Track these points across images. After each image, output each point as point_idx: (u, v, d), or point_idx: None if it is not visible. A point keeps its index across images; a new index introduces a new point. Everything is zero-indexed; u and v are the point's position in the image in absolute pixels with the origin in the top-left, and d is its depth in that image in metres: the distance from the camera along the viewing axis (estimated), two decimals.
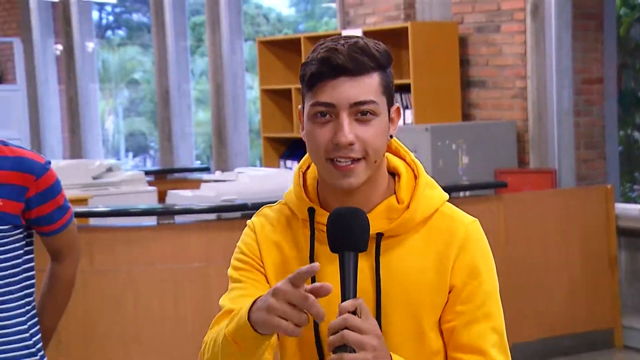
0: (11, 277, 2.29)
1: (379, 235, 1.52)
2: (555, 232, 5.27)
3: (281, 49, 7.22)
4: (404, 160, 1.60)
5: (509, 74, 6.09)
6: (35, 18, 9.90)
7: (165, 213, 4.65)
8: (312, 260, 1.51)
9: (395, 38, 6.46)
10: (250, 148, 8.38)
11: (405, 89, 6.29)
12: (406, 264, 1.52)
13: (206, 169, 7.93)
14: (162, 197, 5.97)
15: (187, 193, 5.60)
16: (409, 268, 1.52)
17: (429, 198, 1.56)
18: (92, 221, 4.78)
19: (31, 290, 2.35)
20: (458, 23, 6.31)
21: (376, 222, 1.51)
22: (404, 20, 6.56)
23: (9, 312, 2.28)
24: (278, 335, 1.55)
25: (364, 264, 1.51)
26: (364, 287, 1.50)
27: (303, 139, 1.53)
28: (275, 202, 1.63)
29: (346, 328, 1.38)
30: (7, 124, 9.45)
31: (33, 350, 2.33)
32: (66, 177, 5.33)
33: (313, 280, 1.51)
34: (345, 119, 1.46)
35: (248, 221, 1.62)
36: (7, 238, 2.27)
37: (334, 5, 7.68)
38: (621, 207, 5.57)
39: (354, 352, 1.37)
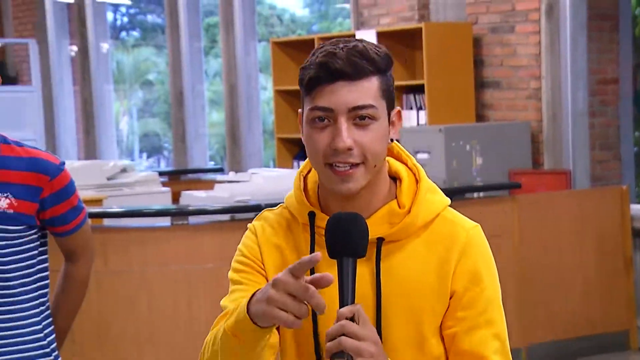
0: (26, 278, 2.30)
1: (380, 240, 1.51)
2: (569, 233, 5.24)
3: (295, 50, 7.22)
4: (406, 164, 1.59)
5: (523, 75, 6.07)
6: (51, 19, 9.95)
7: (179, 214, 4.66)
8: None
9: (409, 39, 6.45)
10: (264, 149, 8.39)
11: (419, 89, 6.28)
12: (407, 269, 1.51)
13: (220, 170, 7.94)
14: (175, 197, 5.99)
15: (200, 194, 5.60)
16: (409, 273, 1.51)
17: (431, 203, 1.54)
18: (106, 222, 4.79)
19: (45, 290, 2.36)
20: (472, 23, 6.29)
21: (377, 226, 1.50)
22: (418, 20, 6.55)
23: (24, 312, 2.29)
24: (280, 341, 1.54)
25: (365, 269, 1.50)
26: (364, 292, 1.49)
27: (303, 142, 1.53)
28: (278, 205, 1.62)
29: (344, 334, 1.36)
30: (23, 124, 9.49)
31: (47, 350, 2.34)
32: (81, 178, 5.35)
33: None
34: (343, 124, 1.45)
35: (249, 224, 1.62)
36: (22, 238, 2.28)
37: (347, 6, 7.68)
38: (636, 208, 5.54)
39: (352, 359, 1.36)
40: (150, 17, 11.93)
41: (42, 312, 2.34)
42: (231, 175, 6.45)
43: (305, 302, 1.35)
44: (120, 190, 5.79)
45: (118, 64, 11.15)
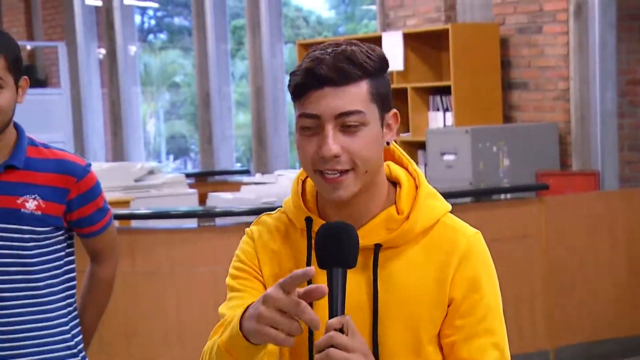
0: (53, 279, 2.32)
1: (378, 247, 1.48)
2: (598, 235, 5.20)
3: None
4: (406, 169, 1.55)
5: (551, 76, 6.04)
6: (79, 22, 10.03)
7: (206, 215, 4.68)
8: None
9: (436, 40, 6.43)
10: (290, 150, 8.40)
11: (445, 91, 6.26)
12: (405, 276, 1.48)
13: (246, 172, 7.96)
14: (202, 199, 6.01)
15: (227, 195, 5.63)
16: (408, 280, 1.48)
17: (430, 208, 1.51)
18: (134, 223, 4.82)
19: (73, 291, 2.37)
20: (499, 24, 6.26)
21: (375, 232, 1.48)
22: (444, 22, 6.53)
23: (52, 312, 2.31)
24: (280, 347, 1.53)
25: (362, 275, 1.48)
26: (361, 299, 1.47)
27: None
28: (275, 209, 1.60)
29: (332, 346, 1.34)
30: (52, 127, 9.58)
31: (75, 350, 2.36)
32: (108, 180, 5.39)
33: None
34: (330, 131, 1.42)
35: (246, 229, 1.60)
36: (49, 240, 2.30)
37: (374, 7, 7.67)
38: None
39: None
40: (177, 20, 12.00)
41: (69, 312, 2.36)
42: (257, 177, 6.47)
43: (297, 318, 1.32)
44: (148, 192, 5.83)
45: (145, 67, 11.22)
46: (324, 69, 1.41)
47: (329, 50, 1.43)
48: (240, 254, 1.58)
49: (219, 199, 5.56)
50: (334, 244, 1.41)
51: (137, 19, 10.48)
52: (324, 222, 1.48)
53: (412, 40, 6.41)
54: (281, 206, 1.59)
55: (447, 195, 5.11)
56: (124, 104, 9.54)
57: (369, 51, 1.45)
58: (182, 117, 12.30)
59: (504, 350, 1.50)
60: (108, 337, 4.40)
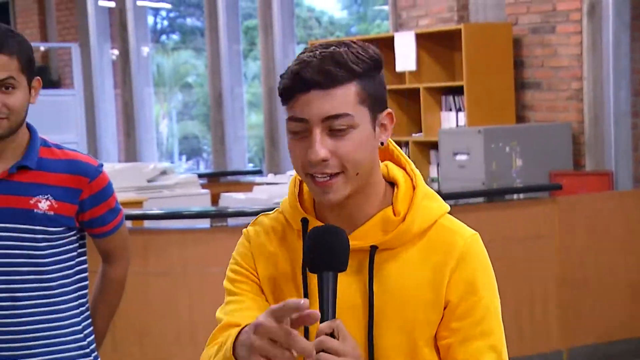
0: (65, 279, 2.32)
1: (374, 248, 1.47)
2: (612, 235, 5.18)
3: None
4: (404, 169, 1.54)
5: (564, 75, 6.01)
6: (93, 24, 10.07)
7: (219, 216, 4.69)
8: (304, 272, 1.47)
9: (448, 40, 6.42)
10: None
11: (458, 91, 6.25)
12: (401, 277, 1.47)
13: (259, 172, 7.97)
14: (215, 199, 6.02)
15: (240, 196, 5.63)
16: (404, 282, 1.47)
17: (427, 210, 1.49)
18: (147, 223, 4.83)
19: (85, 291, 2.38)
20: (512, 24, 6.24)
21: (371, 234, 1.47)
22: (457, 22, 6.52)
23: (64, 312, 2.32)
24: None
25: (358, 277, 1.47)
26: (356, 301, 1.46)
27: None
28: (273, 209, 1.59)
29: (323, 350, 1.33)
30: (65, 127, 9.62)
31: (87, 350, 2.37)
32: (121, 180, 5.41)
33: (306, 294, 1.47)
34: (317, 135, 1.40)
35: (243, 230, 1.59)
36: (62, 240, 2.31)
37: (386, 7, 7.66)
38: None
39: None
40: (189, 20, 12.02)
41: (81, 312, 2.36)
42: (270, 177, 6.47)
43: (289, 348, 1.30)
44: (160, 192, 5.84)
45: (158, 67, 11.25)
46: (310, 72, 1.40)
47: (317, 53, 1.42)
48: (236, 255, 1.57)
49: (232, 200, 5.56)
50: (324, 248, 1.41)
51: (150, 19, 10.51)
52: (321, 223, 1.47)
53: (424, 41, 6.39)
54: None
55: (459, 196, 5.14)
56: (136, 104, 9.56)
57: (360, 52, 1.43)
58: (195, 118, 12.32)
59: (501, 353, 1.49)
60: (121, 337, 4.41)
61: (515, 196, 5.31)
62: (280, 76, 1.46)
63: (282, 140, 8.06)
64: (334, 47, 1.43)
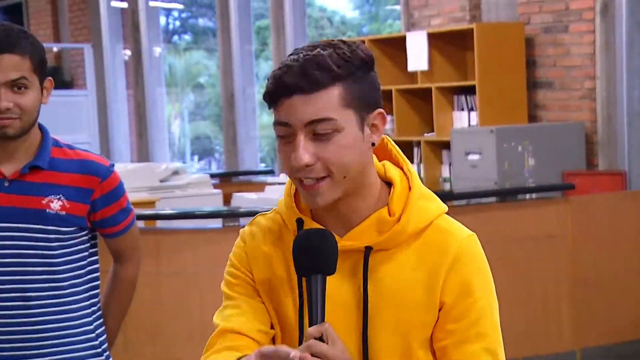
0: (77, 278, 2.33)
1: (368, 249, 1.45)
2: (625, 235, 5.15)
3: None
4: (402, 169, 1.51)
5: (577, 75, 5.99)
6: (105, 24, 10.10)
7: (231, 215, 4.69)
8: (299, 275, 1.46)
9: (460, 39, 6.40)
10: None
11: (470, 90, 6.23)
12: (396, 279, 1.45)
13: (270, 172, 7.97)
14: (227, 199, 6.03)
15: (251, 196, 5.64)
16: (398, 283, 1.45)
17: (423, 210, 1.47)
18: (159, 223, 4.84)
19: (96, 291, 2.39)
20: (524, 24, 6.22)
21: (365, 234, 1.45)
22: (469, 21, 6.50)
23: (76, 312, 2.33)
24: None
25: (352, 278, 1.46)
26: (351, 303, 1.45)
27: None
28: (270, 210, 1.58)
29: (311, 354, 1.33)
30: (78, 128, 9.65)
31: (99, 350, 2.38)
32: (134, 180, 5.42)
33: (300, 295, 1.46)
34: (301, 140, 1.39)
35: (240, 230, 1.58)
36: (73, 240, 2.32)
37: (398, 7, 7.65)
38: None
39: None
40: (201, 21, 12.03)
41: (93, 312, 2.37)
42: (282, 177, 6.47)
43: None
44: (173, 192, 5.85)
45: (170, 68, 11.27)
46: (292, 76, 1.39)
47: (301, 56, 1.40)
48: (232, 257, 1.56)
49: (244, 199, 5.57)
50: (312, 251, 1.40)
51: (162, 20, 10.53)
52: (316, 223, 1.47)
53: (436, 40, 6.38)
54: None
55: (471, 195, 5.13)
56: (149, 105, 9.59)
57: (347, 53, 1.41)
58: (207, 118, 12.33)
59: (497, 355, 1.47)
60: (133, 337, 4.42)
61: (527, 196, 5.30)
62: (267, 79, 1.45)
63: None
64: (319, 50, 1.41)
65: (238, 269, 1.54)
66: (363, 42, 6.83)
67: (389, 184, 1.50)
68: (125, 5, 9.87)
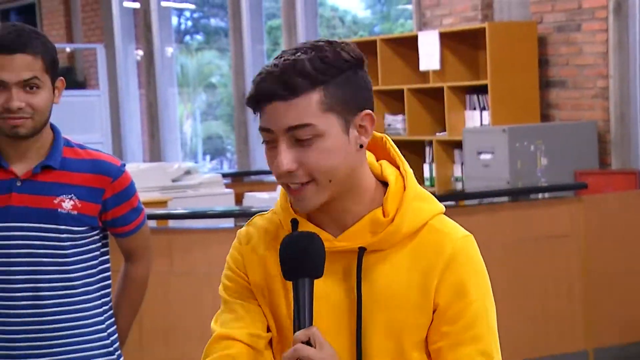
0: (89, 277, 2.34)
1: (362, 250, 1.44)
2: (638, 234, 5.12)
3: None
4: (398, 169, 1.50)
5: (589, 74, 5.97)
6: (118, 25, 10.13)
7: (243, 215, 4.70)
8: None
9: (473, 39, 6.39)
10: None
11: (482, 90, 6.21)
12: (390, 280, 1.44)
13: None
14: (239, 199, 6.03)
15: (263, 195, 5.64)
16: (392, 285, 1.44)
17: (418, 211, 1.45)
18: (171, 223, 4.85)
19: (108, 290, 2.40)
20: (537, 23, 6.20)
21: (359, 235, 1.44)
22: (481, 20, 6.49)
23: (87, 311, 2.34)
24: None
25: (346, 279, 1.45)
26: (344, 304, 1.45)
27: None
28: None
29: (299, 359, 1.33)
30: (91, 128, 9.68)
31: (110, 349, 2.38)
32: (146, 180, 5.43)
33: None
34: (282, 146, 1.39)
35: (237, 231, 1.57)
36: (85, 239, 2.33)
37: (410, 7, 7.64)
38: None
39: None
40: (213, 21, 12.05)
41: (105, 311, 2.38)
42: None
43: None
44: (185, 192, 5.86)
45: (182, 68, 11.29)
46: (270, 83, 1.38)
47: (281, 61, 1.39)
48: (229, 258, 1.56)
49: (255, 199, 5.57)
50: (298, 255, 1.40)
51: (174, 20, 10.55)
52: (311, 224, 1.46)
53: (448, 40, 6.37)
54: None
55: (484, 195, 5.12)
56: (161, 105, 9.61)
57: (329, 55, 1.39)
58: (219, 118, 12.35)
59: (492, 358, 1.45)
60: (146, 336, 4.43)
61: (540, 195, 5.28)
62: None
63: None
64: (300, 54, 1.39)
65: (234, 271, 1.54)
66: (375, 41, 6.85)
67: (385, 184, 1.49)
68: (137, 5, 9.89)
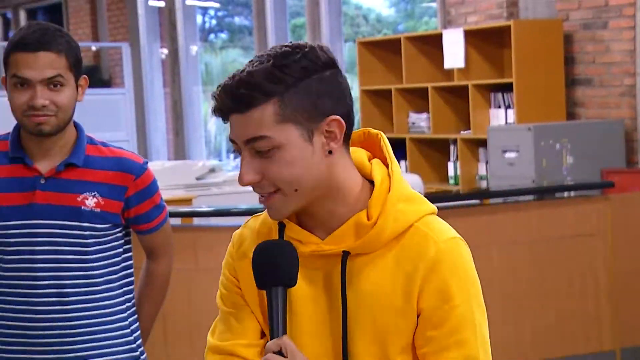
0: (111, 274, 2.35)
1: (346, 254, 1.41)
2: None
3: (381, 50, 7.19)
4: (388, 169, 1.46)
5: (616, 72, 5.91)
6: (143, 23, 10.18)
7: None
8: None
9: (498, 37, 6.35)
10: None
11: (507, 88, 6.18)
12: (374, 284, 1.41)
13: None
14: None
15: None
16: (376, 289, 1.41)
17: (401, 213, 1.41)
18: (196, 221, 4.86)
19: (130, 287, 2.41)
20: (563, 20, 6.15)
21: (343, 238, 1.41)
22: (506, 18, 6.45)
23: (111, 308, 2.34)
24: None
25: (330, 283, 1.43)
26: (329, 308, 1.43)
27: None
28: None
29: None
30: (116, 126, 9.73)
31: (133, 345, 2.39)
32: (171, 178, 5.45)
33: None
34: (245, 157, 1.39)
35: (233, 233, 1.55)
36: (108, 236, 2.33)
37: (434, 4, 7.61)
38: None
39: None
40: (237, 19, 12.07)
41: (128, 308, 2.39)
42: None
43: None
44: (209, 189, 5.87)
45: (206, 66, 11.32)
46: (226, 96, 1.37)
47: (237, 74, 1.38)
48: (223, 264, 1.55)
49: None
50: (271, 264, 1.39)
51: (199, 19, 10.59)
52: (299, 228, 1.44)
53: (473, 37, 6.33)
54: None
55: (509, 193, 5.08)
56: (185, 103, 9.64)
57: (286, 64, 1.36)
58: None
59: None
60: (171, 333, 4.44)
61: (566, 194, 5.23)
62: None
63: None
64: (257, 64, 1.37)
65: (227, 277, 1.54)
66: (399, 40, 6.83)
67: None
68: (162, 4, 9.94)
